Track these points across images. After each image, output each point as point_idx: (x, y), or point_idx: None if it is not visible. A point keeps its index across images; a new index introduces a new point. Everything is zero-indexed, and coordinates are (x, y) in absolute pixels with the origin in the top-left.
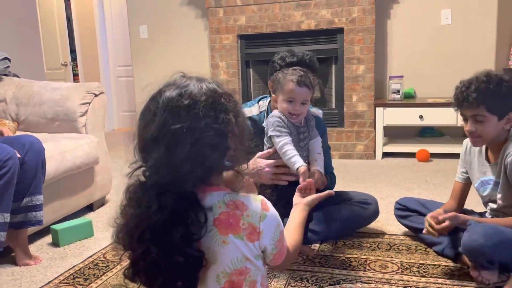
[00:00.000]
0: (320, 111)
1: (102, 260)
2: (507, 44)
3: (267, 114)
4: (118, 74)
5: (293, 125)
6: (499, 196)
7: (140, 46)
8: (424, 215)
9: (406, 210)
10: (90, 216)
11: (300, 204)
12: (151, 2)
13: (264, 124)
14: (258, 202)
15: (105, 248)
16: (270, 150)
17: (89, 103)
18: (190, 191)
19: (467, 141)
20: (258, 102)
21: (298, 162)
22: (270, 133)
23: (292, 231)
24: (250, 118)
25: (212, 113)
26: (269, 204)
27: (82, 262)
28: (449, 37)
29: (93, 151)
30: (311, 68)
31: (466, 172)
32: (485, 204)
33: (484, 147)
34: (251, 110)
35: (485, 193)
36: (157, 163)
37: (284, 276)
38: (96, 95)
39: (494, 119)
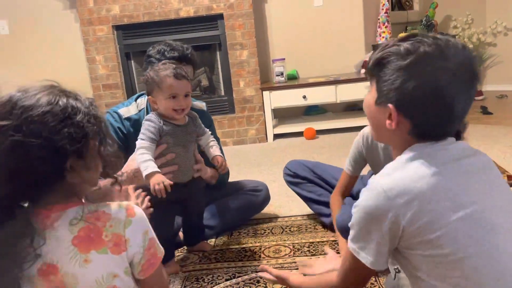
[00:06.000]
0: (204, 103)
1: None
2: (373, 22)
3: (147, 112)
4: None
5: (175, 126)
6: None
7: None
8: (313, 182)
9: (296, 177)
10: None
11: None
12: None
13: None
14: (123, 209)
15: None
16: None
17: None
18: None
19: (365, 132)
20: (135, 100)
21: (149, 168)
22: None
23: None
24: (129, 118)
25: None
26: (137, 209)
27: None
28: (322, 18)
29: None
30: (192, 62)
31: (358, 163)
32: None
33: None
34: (128, 109)
35: None
36: None
37: (179, 279)
38: None
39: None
